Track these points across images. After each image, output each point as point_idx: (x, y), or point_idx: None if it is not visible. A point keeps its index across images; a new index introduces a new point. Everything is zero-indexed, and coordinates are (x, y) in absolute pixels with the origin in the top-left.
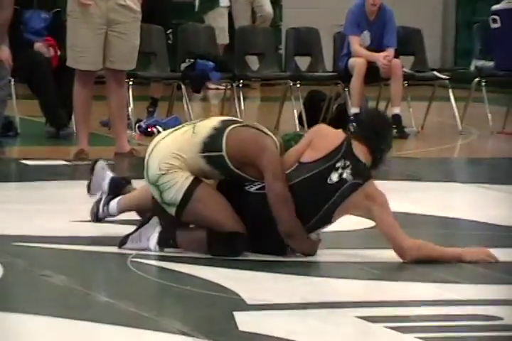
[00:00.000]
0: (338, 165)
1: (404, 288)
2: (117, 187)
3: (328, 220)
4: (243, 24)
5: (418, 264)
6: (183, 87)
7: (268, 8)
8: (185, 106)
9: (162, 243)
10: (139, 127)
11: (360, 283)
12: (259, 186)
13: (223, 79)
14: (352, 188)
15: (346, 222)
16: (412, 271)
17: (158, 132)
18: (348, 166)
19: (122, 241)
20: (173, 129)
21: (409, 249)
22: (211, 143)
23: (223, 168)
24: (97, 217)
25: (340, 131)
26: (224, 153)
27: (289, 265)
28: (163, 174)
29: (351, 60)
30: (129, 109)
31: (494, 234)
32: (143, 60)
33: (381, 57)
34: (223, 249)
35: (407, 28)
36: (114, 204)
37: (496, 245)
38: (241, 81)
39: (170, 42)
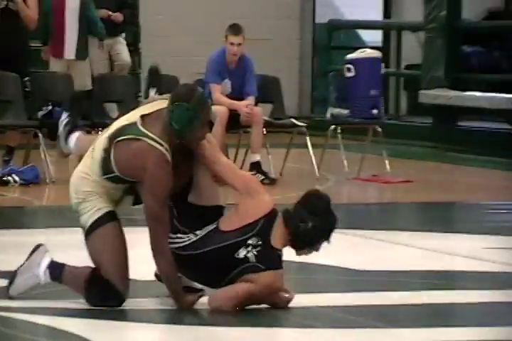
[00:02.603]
0: (249, 242)
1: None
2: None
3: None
4: (101, 72)
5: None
6: (40, 135)
7: (125, 56)
8: (42, 154)
9: (52, 270)
10: None
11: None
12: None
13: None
14: (251, 269)
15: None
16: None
17: (14, 181)
18: (257, 246)
19: (12, 277)
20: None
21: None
22: (106, 167)
23: (124, 182)
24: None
25: (269, 199)
26: (118, 174)
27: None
28: (80, 202)
29: (212, 108)
30: None
31: (349, 279)
32: None
33: (243, 106)
34: (97, 294)
35: (265, 77)
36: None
37: (351, 290)
38: (100, 128)
39: (27, 89)
